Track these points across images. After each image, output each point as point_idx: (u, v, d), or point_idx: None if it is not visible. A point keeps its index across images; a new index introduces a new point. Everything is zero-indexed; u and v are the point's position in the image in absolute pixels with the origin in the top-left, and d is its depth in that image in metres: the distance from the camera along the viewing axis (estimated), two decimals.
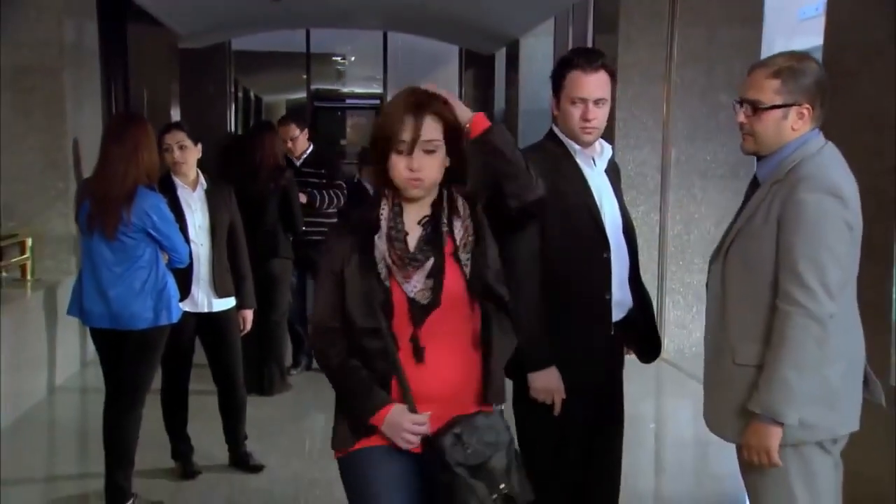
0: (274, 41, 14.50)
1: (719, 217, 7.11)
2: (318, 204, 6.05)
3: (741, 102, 2.52)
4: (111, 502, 4.04)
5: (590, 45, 8.53)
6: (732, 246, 2.53)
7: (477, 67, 14.40)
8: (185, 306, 4.27)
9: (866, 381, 2.54)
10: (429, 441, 2.18)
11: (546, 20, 10.69)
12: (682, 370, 6.63)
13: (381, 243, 2.22)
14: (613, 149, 3.13)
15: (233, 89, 15.47)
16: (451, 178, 2.28)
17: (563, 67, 2.92)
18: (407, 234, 2.25)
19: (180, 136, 4.37)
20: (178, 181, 4.38)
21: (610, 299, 2.94)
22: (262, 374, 5.82)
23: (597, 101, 2.88)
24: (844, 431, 2.48)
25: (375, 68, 17.05)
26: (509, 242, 2.40)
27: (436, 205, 2.28)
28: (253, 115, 19.22)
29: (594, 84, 2.88)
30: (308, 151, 6.29)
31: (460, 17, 10.91)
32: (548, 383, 2.85)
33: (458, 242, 2.24)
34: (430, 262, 2.21)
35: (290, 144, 6.17)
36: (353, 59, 19.32)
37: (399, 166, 2.18)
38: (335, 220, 6.08)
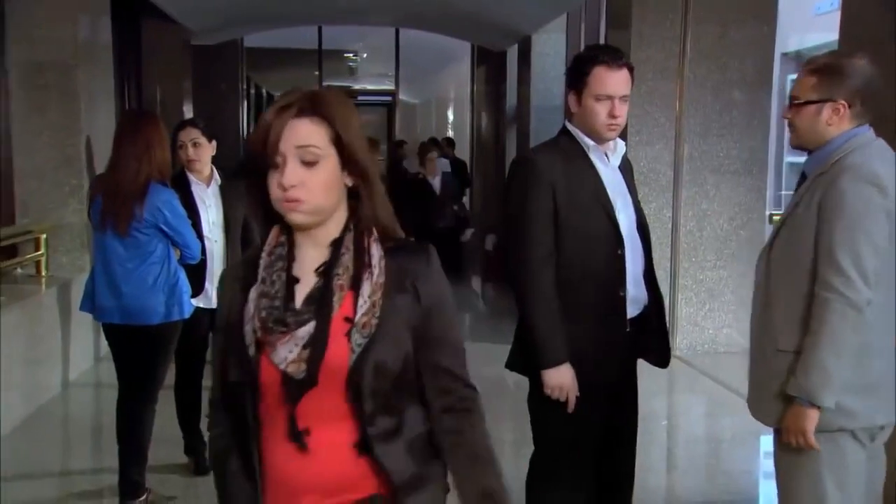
0: (286, 38, 14.50)
1: (732, 213, 7.11)
2: None
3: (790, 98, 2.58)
4: (125, 497, 4.05)
5: (602, 41, 8.51)
6: (777, 237, 2.58)
7: (488, 64, 14.37)
8: (199, 302, 4.29)
9: None
10: None
11: (558, 17, 10.65)
12: (695, 367, 6.61)
13: (253, 296, 1.73)
14: (626, 145, 3.12)
15: (245, 86, 15.51)
16: (360, 207, 1.75)
17: (587, 64, 2.89)
18: (296, 281, 1.72)
19: (195, 134, 4.39)
20: (192, 177, 4.39)
21: (625, 296, 2.94)
22: None
23: (622, 98, 2.87)
24: (883, 421, 2.49)
25: (387, 65, 17.07)
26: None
27: (336, 245, 1.73)
28: (264, 110, 19.23)
29: (620, 81, 2.87)
30: None
31: (472, 14, 10.89)
32: (561, 380, 2.85)
33: (359, 303, 1.69)
34: (308, 327, 1.67)
35: None
36: (364, 55, 19.33)
37: (272, 184, 1.67)
38: None
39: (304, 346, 1.67)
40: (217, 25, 11.42)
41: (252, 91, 17.33)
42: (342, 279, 1.71)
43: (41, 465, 4.68)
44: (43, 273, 6.12)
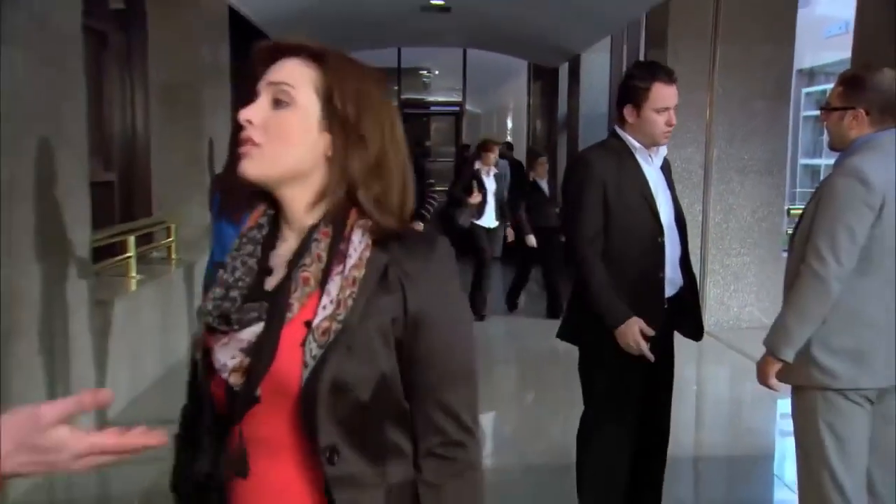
0: (371, 58, 14.53)
1: (754, 207, 7.03)
2: None
3: None
4: None
5: (642, 59, 8.37)
6: (797, 227, 2.57)
7: (543, 79, 14.24)
8: None
9: None
10: None
11: (604, 38, 10.52)
12: (722, 341, 6.51)
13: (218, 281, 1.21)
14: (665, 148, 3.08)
15: None
16: (355, 188, 1.18)
17: (647, 80, 2.84)
18: (268, 273, 1.20)
19: None
20: None
21: (663, 277, 2.90)
22: None
23: (675, 108, 2.86)
24: (869, 385, 2.42)
25: (456, 80, 17.01)
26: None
27: (311, 231, 1.18)
28: None
29: (673, 94, 2.86)
30: None
31: (529, 36, 10.80)
32: (633, 334, 2.77)
33: (321, 303, 1.13)
34: (255, 328, 1.14)
35: None
36: (437, 72, 19.30)
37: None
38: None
39: (248, 353, 1.13)
40: None
41: None
42: (309, 271, 1.15)
43: (173, 413, 4.78)
44: (173, 256, 6.23)
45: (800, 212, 2.73)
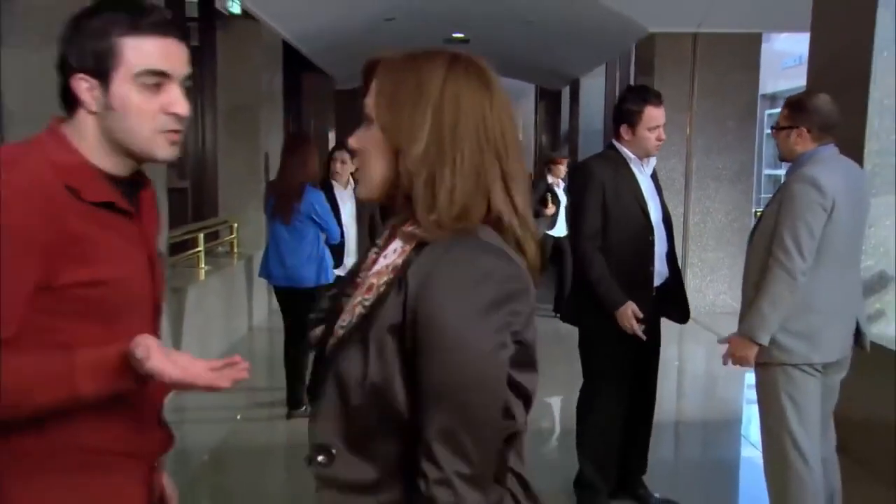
0: None
1: (727, 210, 7.04)
2: None
3: None
4: (291, 407, 4.15)
5: (633, 83, 8.31)
6: (756, 226, 2.57)
7: (547, 100, 14.19)
8: (339, 272, 4.32)
9: (859, 332, 2.52)
10: None
11: (600, 65, 10.48)
12: (699, 324, 6.42)
13: None
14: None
15: None
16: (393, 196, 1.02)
17: (640, 104, 2.83)
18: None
19: (344, 155, 4.38)
20: (335, 183, 4.42)
21: (653, 270, 2.89)
22: None
23: (664, 126, 2.86)
24: (818, 360, 2.43)
25: None
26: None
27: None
28: None
29: (663, 114, 2.86)
30: None
31: (536, 63, 10.77)
32: (629, 315, 2.76)
33: (357, 298, 1.01)
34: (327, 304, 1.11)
35: None
36: None
37: None
38: None
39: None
40: (354, 75, 11.50)
41: None
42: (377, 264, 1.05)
43: (235, 384, 4.80)
44: (235, 251, 6.27)
45: None
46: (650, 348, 3.00)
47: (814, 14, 3.96)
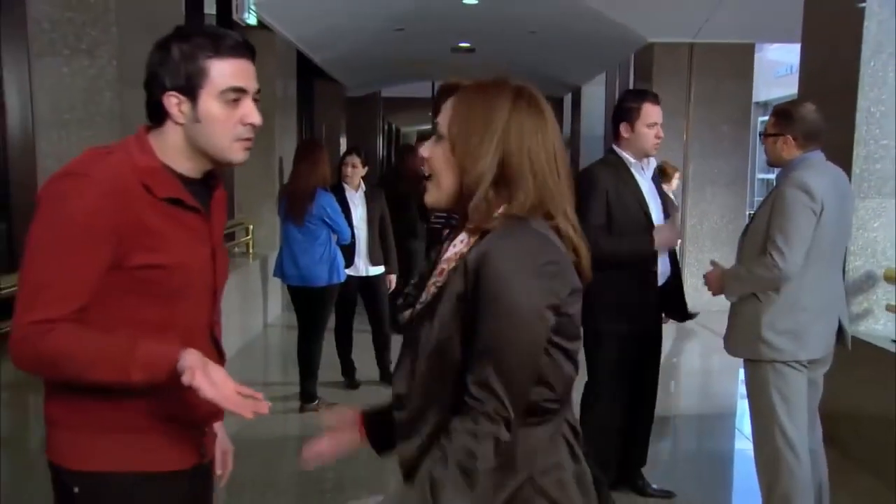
0: (410, 90, 14.57)
1: (723, 213, 7.05)
2: None
3: None
4: (304, 401, 4.18)
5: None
6: (748, 226, 2.60)
7: (551, 106, 14.21)
8: (350, 272, 4.35)
9: (841, 330, 2.54)
10: None
11: (600, 73, 10.49)
12: (695, 321, 6.43)
13: None
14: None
15: (382, 124, 15.62)
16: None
17: (638, 101, 2.86)
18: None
19: (355, 160, 4.42)
20: (346, 186, 4.45)
21: (655, 270, 2.90)
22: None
23: (661, 124, 2.87)
24: (805, 357, 2.46)
25: None
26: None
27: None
28: (394, 141, 19.46)
29: (660, 112, 2.88)
30: None
31: (540, 72, 10.78)
32: (662, 238, 2.83)
33: (424, 297, 1.18)
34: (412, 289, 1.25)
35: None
36: None
37: None
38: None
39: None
40: (364, 83, 11.57)
41: (386, 127, 17.46)
42: (443, 262, 1.19)
43: (250, 379, 4.82)
44: (250, 251, 6.26)
45: None
46: (652, 346, 3.02)
47: (805, 26, 3.99)
